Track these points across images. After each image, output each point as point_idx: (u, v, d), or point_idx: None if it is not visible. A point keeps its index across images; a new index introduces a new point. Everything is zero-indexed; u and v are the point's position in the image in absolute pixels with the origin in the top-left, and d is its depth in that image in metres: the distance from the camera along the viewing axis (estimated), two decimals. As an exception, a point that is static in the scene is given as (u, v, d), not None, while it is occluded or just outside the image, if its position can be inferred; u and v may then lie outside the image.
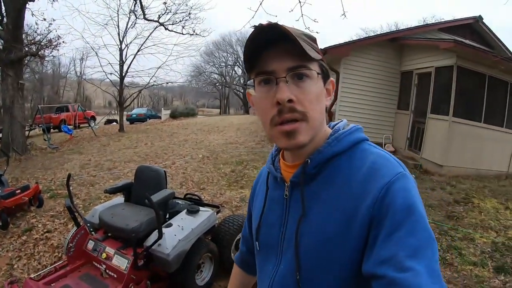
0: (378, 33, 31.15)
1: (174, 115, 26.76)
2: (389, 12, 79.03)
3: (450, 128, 7.37)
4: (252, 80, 0.73)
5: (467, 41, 8.58)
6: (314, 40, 0.73)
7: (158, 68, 15.78)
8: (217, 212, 3.54)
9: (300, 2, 4.02)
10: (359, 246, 0.65)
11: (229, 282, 1.13)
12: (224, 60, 50.64)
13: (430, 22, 14.80)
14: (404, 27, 14.00)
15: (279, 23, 0.64)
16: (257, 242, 0.86)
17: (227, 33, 52.28)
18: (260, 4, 4.01)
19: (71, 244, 2.91)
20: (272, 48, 0.68)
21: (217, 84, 52.57)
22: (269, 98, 0.69)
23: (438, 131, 7.71)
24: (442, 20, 10.53)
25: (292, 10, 4.11)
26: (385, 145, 9.23)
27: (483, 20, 11.09)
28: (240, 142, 10.60)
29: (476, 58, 7.55)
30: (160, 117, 28.08)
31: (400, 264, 0.56)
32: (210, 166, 7.29)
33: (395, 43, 9.20)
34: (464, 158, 7.69)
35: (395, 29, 29.18)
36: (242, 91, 51.55)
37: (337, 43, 8.82)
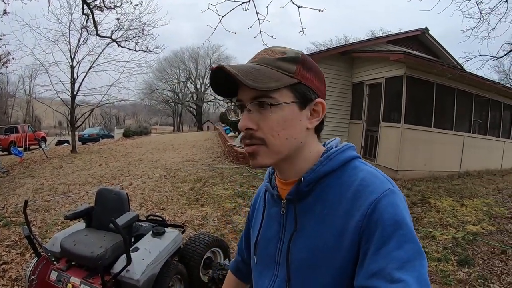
0: (328, 46, 32.55)
1: (127, 134, 26.35)
2: (338, 26, 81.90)
3: (403, 134, 7.75)
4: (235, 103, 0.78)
5: (415, 52, 9.13)
6: (294, 61, 0.73)
7: (111, 86, 15.18)
8: (182, 232, 3.45)
9: (259, 19, 4.06)
10: (349, 261, 0.66)
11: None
12: (176, 77, 50.58)
13: (378, 35, 15.57)
14: (354, 40, 14.61)
15: (225, 65, 0.68)
16: (255, 257, 0.89)
17: (179, 50, 52.22)
18: (220, 21, 4.01)
19: (33, 277, 2.73)
20: None
21: (169, 101, 52.31)
22: None
23: (391, 138, 8.08)
24: (390, 33, 11.16)
25: (251, 27, 4.14)
26: None
27: (429, 32, 11.85)
28: (196, 159, 10.48)
29: (424, 68, 8.05)
30: (113, 137, 27.51)
31: (390, 276, 0.58)
32: (168, 185, 7.14)
33: (346, 56, 9.64)
34: (418, 162, 8.09)
35: (344, 43, 30.50)
36: (195, 107, 51.24)
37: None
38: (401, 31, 11.51)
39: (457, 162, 9.12)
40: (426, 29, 11.80)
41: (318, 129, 0.80)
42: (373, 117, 8.95)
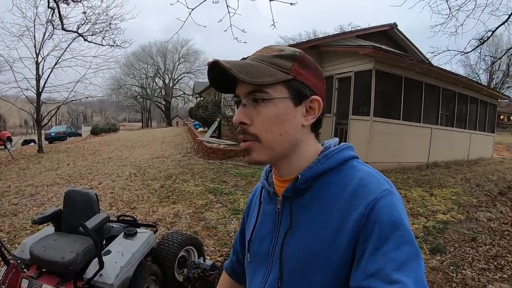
0: (298, 41, 32.71)
1: (95, 132, 26.02)
2: (307, 20, 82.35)
3: (372, 127, 7.89)
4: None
5: (384, 47, 9.30)
6: (290, 58, 0.74)
7: (77, 82, 14.73)
8: (155, 232, 3.38)
9: (229, 12, 3.98)
10: (344, 261, 0.66)
11: None
12: (144, 72, 49.55)
13: (347, 30, 15.77)
14: (323, 35, 14.71)
15: (221, 60, 0.70)
16: (248, 254, 0.89)
17: (147, 44, 51.27)
18: (189, 14, 3.92)
19: (3, 286, 2.62)
20: None
21: (138, 97, 51.33)
22: None
23: (361, 131, 8.20)
24: (359, 28, 11.29)
25: (221, 21, 4.05)
26: None
27: (398, 27, 12.12)
28: (166, 156, 10.31)
29: (393, 62, 8.23)
30: (80, 135, 26.91)
31: (388, 277, 0.58)
32: (138, 183, 6.99)
33: (315, 50, 9.68)
34: (387, 154, 8.26)
35: (313, 37, 30.72)
36: (164, 103, 50.47)
37: (262, 51, 8.98)
38: (371, 26, 11.69)
39: (425, 153, 9.38)
40: (395, 25, 12.06)
41: (315, 128, 0.80)
42: (342, 110, 9.06)
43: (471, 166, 9.64)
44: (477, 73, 35.18)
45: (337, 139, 0.85)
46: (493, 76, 37.68)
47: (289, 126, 0.73)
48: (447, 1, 6.44)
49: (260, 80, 0.69)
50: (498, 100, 14.02)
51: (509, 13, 6.27)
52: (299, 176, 0.75)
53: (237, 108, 0.76)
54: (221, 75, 0.73)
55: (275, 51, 0.75)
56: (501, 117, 35.14)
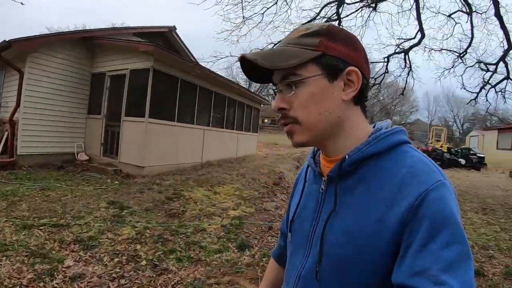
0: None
1: None
2: (76, 13, 76.24)
3: (147, 129, 7.62)
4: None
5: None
6: (317, 34, 0.71)
7: None
8: None
9: None
10: (387, 253, 0.63)
11: (264, 276, 1.12)
12: None
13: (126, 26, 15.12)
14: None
15: (246, 53, 0.73)
16: (290, 233, 0.86)
17: None
18: None
19: None
20: None
21: None
22: None
23: (135, 133, 7.82)
24: (138, 26, 10.91)
25: None
26: (78, 154, 8.56)
27: (176, 31, 12.43)
28: None
29: (172, 63, 8.19)
30: None
31: (434, 278, 0.55)
32: None
33: (89, 42, 8.61)
34: (163, 156, 8.24)
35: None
36: None
37: (24, 36, 7.24)
38: (150, 25, 11.47)
39: (199, 154, 9.95)
40: (174, 28, 12.31)
41: (359, 101, 0.75)
42: (114, 111, 8.39)
43: (241, 163, 10.91)
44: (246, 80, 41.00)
45: (390, 121, 0.80)
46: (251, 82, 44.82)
47: (328, 103, 0.71)
48: (243, 10, 7.07)
49: (286, 63, 0.69)
50: (262, 104, 16.50)
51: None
52: (346, 157, 0.72)
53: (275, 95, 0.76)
54: (256, 68, 0.72)
55: (302, 31, 0.73)
56: (265, 120, 42.21)
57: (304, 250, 0.79)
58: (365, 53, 0.76)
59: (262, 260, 3.67)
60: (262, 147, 18.84)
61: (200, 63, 9.65)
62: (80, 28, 33.70)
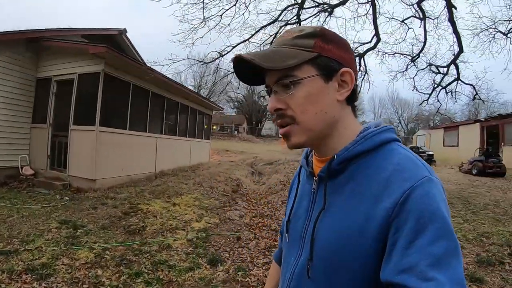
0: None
1: None
2: (14, 18, 71.13)
3: (98, 138, 7.10)
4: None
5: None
6: (312, 35, 0.73)
7: None
8: None
9: None
10: (374, 250, 0.63)
11: (267, 279, 1.12)
12: None
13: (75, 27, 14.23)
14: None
15: (243, 53, 0.73)
16: (286, 234, 0.87)
17: None
18: None
19: None
20: None
21: None
22: None
23: (84, 143, 7.26)
24: (87, 27, 10.22)
25: None
26: (22, 168, 7.74)
27: (127, 34, 11.87)
28: None
29: (124, 67, 7.74)
30: None
31: (422, 274, 0.55)
32: None
33: (34, 44, 7.82)
34: (115, 167, 7.75)
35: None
36: None
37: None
38: (99, 27, 10.82)
39: (152, 163, 9.54)
40: (125, 31, 11.73)
41: (351, 101, 0.78)
42: (61, 120, 7.70)
43: (196, 171, 10.64)
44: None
45: (381, 121, 0.81)
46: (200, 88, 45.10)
47: (324, 103, 0.73)
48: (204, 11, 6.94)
49: (284, 64, 0.69)
50: (213, 111, 16.30)
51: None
52: (335, 156, 0.73)
53: (269, 96, 0.76)
54: (251, 69, 0.73)
55: (296, 33, 0.74)
56: (214, 127, 42.07)
57: (297, 249, 0.81)
58: (354, 55, 0.81)
59: (238, 275, 3.54)
60: (213, 154, 18.65)
61: (153, 67, 9.25)
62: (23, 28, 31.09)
